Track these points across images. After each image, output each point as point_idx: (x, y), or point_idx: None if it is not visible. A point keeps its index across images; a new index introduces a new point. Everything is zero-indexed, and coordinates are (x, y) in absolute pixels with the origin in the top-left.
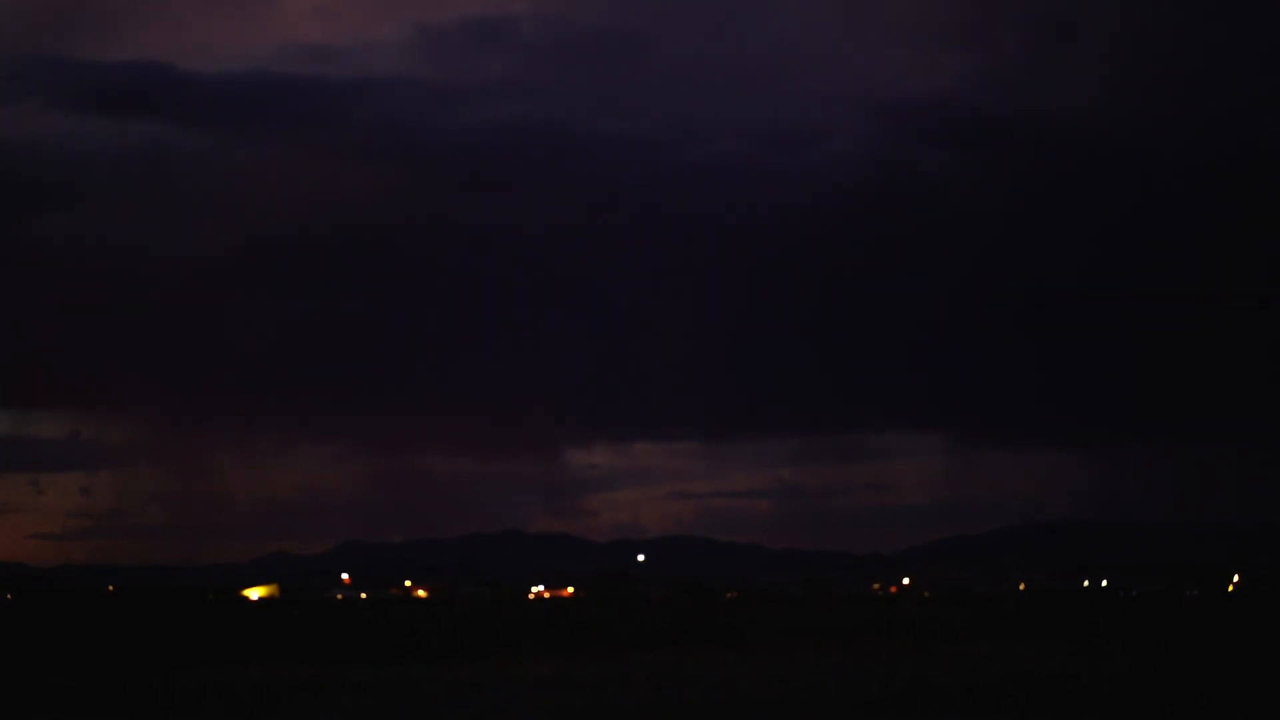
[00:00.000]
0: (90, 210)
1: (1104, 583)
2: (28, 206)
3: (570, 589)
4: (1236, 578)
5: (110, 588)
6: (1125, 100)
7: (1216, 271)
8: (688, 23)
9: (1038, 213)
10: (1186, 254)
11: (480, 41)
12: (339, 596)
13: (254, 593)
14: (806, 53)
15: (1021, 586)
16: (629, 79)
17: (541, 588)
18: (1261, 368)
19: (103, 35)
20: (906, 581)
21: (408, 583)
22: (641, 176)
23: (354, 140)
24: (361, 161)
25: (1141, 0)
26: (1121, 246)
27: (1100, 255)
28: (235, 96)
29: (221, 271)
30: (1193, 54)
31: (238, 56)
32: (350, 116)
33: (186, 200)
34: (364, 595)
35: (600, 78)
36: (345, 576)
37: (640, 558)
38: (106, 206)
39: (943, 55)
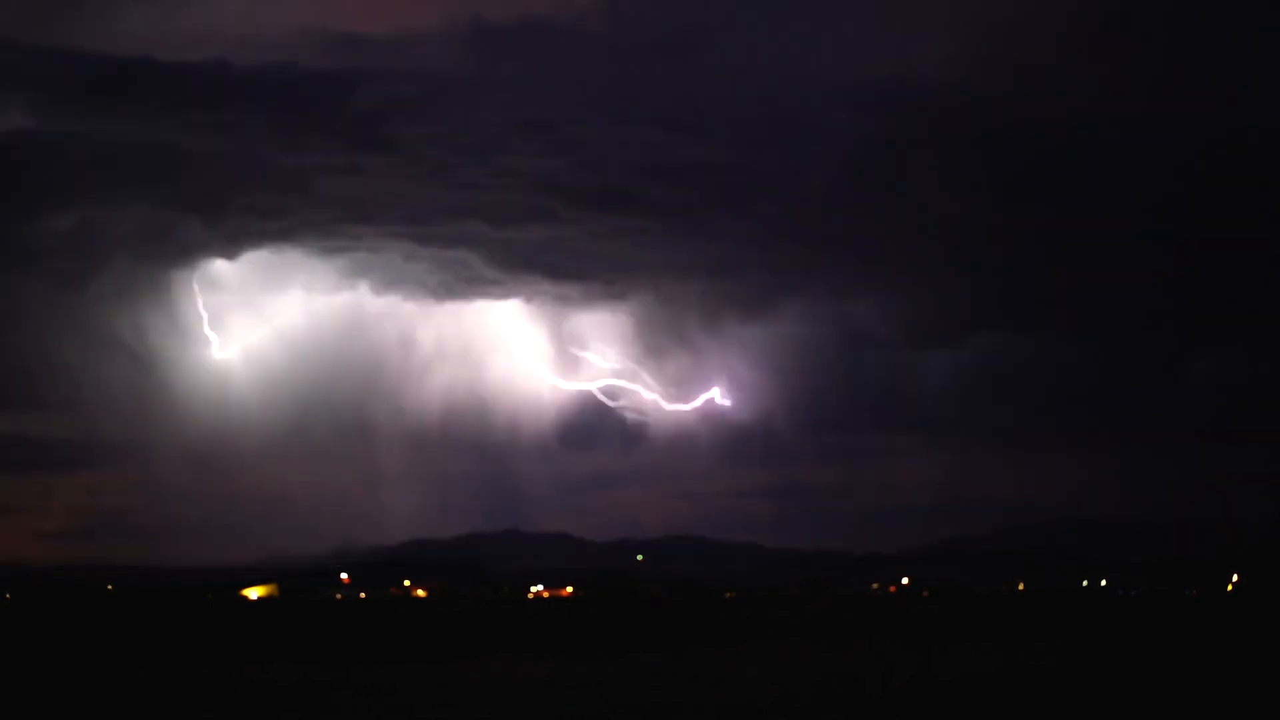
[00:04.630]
0: (93, 210)
1: (1103, 582)
2: (29, 206)
3: (570, 589)
4: (1236, 578)
5: (109, 587)
6: (1123, 98)
7: (1215, 271)
8: (752, 22)
9: (1038, 211)
10: (1187, 254)
11: (528, 37)
12: (339, 596)
13: (254, 593)
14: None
15: (1021, 586)
16: (655, 77)
17: (541, 587)
18: (1262, 367)
19: (130, 24)
20: (906, 581)
21: (407, 582)
22: (640, 173)
23: (346, 136)
24: (352, 159)
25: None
26: (1122, 247)
27: (1098, 254)
28: (232, 90)
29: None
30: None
31: (269, 46)
32: (344, 111)
33: (184, 199)
34: (364, 595)
35: (626, 76)
36: (345, 576)
37: (640, 558)
38: (109, 206)
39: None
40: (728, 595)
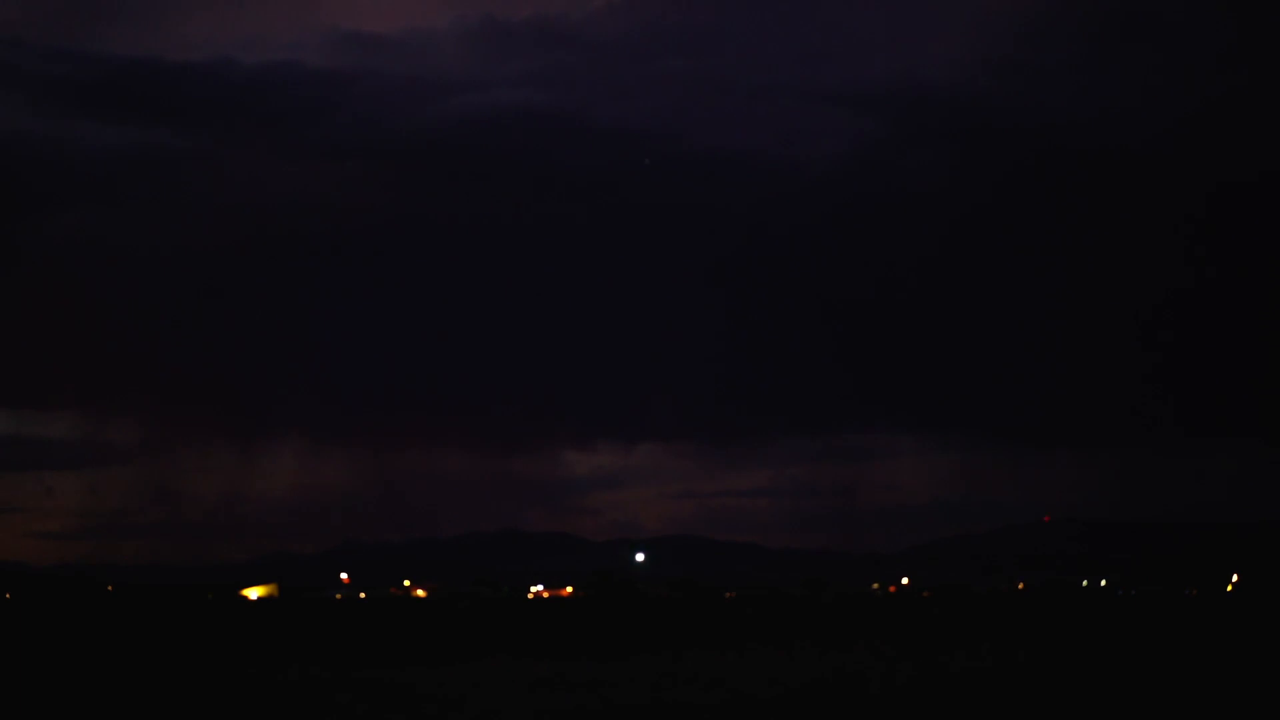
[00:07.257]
0: (97, 210)
1: (1103, 582)
2: (31, 207)
3: (570, 589)
4: (1236, 578)
5: (109, 587)
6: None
7: (1216, 273)
8: (756, 21)
9: (1040, 214)
10: (1189, 255)
11: (538, 36)
12: (338, 596)
13: (254, 592)
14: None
15: (1021, 586)
16: (653, 76)
17: (541, 587)
18: (1263, 369)
19: (146, 26)
20: (906, 581)
21: (407, 582)
22: (641, 170)
23: (344, 135)
24: (348, 157)
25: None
26: (1123, 249)
27: (1097, 257)
28: (228, 91)
29: (224, 272)
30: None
31: (282, 46)
32: (343, 110)
33: (187, 200)
34: (363, 595)
35: (629, 75)
36: (345, 576)
37: (640, 558)
38: (113, 206)
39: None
40: (728, 595)
